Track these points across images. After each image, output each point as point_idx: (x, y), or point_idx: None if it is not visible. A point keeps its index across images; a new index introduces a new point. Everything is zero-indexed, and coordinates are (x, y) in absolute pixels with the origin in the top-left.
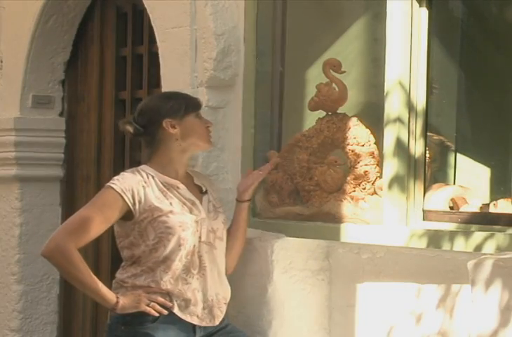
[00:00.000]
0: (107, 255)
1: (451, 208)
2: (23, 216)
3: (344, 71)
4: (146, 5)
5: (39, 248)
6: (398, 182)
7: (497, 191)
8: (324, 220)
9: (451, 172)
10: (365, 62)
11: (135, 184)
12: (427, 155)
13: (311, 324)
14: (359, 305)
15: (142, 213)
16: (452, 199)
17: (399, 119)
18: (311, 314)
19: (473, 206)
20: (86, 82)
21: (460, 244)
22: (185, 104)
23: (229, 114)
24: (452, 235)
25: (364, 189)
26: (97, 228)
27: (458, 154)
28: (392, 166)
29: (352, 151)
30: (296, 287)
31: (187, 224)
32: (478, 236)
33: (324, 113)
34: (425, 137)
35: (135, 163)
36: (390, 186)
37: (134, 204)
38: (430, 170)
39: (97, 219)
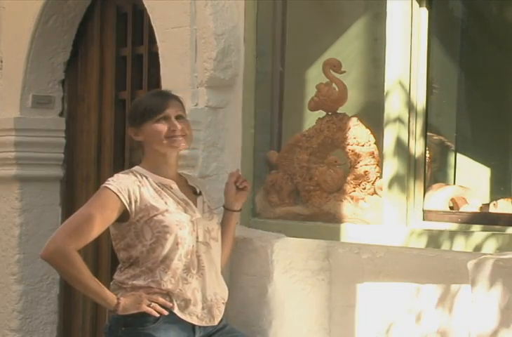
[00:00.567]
0: (107, 256)
1: (451, 208)
2: (23, 216)
3: (344, 71)
4: (146, 5)
5: (39, 248)
6: (398, 182)
7: (497, 191)
8: (324, 220)
9: (451, 172)
10: (365, 62)
11: (131, 184)
12: (427, 155)
13: (311, 324)
14: (359, 305)
15: (138, 213)
16: (452, 199)
17: (399, 119)
18: (311, 314)
19: (473, 206)
20: (86, 82)
21: (460, 244)
22: (141, 113)
23: (229, 114)
24: (451, 235)
25: (364, 189)
26: (96, 229)
27: (458, 154)
28: (392, 166)
29: (352, 151)
30: (296, 287)
31: (184, 222)
32: (478, 236)
33: (324, 113)
34: (425, 137)
35: (135, 163)
36: (390, 186)
37: (130, 204)
38: (430, 170)
39: (96, 220)
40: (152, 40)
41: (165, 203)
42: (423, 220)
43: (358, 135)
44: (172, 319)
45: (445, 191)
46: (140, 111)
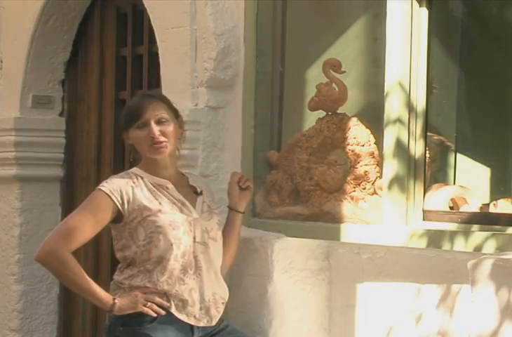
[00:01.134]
0: (107, 256)
1: (451, 208)
2: (23, 216)
3: (344, 71)
4: (146, 5)
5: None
6: (398, 182)
7: (497, 191)
8: (324, 220)
9: (451, 172)
10: (365, 62)
11: (123, 185)
12: (427, 155)
13: (311, 324)
14: (359, 305)
15: (131, 213)
16: (452, 199)
17: (399, 119)
18: (311, 314)
19: (473, 206)
20: (86, 82)
21: (460, 244)
22: (124, 119)
23: (229, 114)
24: (452, 235)
25: (364, 189)
26: (89, 231)
27: (458, 154)
28: (392, 166)
29: (352, 151)
30: (296, 287)
31: (178, 223)
32: (478, 236)
33: (324, 113)
34: (425, 137)
35: (135, 163)
36: (390, 186)
37: (122, 204)
38: (430, 170)
39: (89, 222)
40: (152, 40)
41: (159, 203)
42: (423, 220)
43: (358, 135)
44: (170, 320)
45: (445, 191)
46: (124, 117)
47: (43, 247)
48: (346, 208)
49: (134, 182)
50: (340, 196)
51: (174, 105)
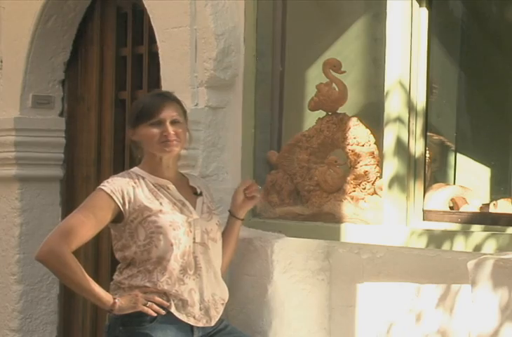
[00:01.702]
0: (107, 256)
1: (451, 208)
2: (23, 216)
3: (344, 72)
4: (146, 5)
5: None
6: (398, 182)
7: (497, 191)
8: (324, 220)
9: (451, 172)
10: (365, 62)
11: (125, 185)
12: (427, 155)
13: (311, 324)
14: (359, 305)
15: (131, 213)
16: (452, 199)
17: (399, 119)
18: (311, 314)
19: (473, 206)
20: (86, 82)
21: (460, 244)
22: (137, 115)
23: (229, 114)
24: (452, 235)
25: (364, 189)
26: (90, 231)
27: (458, 154)
28: (392, 166)
29: (352, 151)
30: (296, 287)
31: (178, 223)
32: (478, 236)
33: (324, 113)
34: (425, 137)
35: (135, 163)
36: (390, 186)
37: (124, 204)
38: (430, 170)
39: (89, 222)
40: (152, 40)
41: (160, 203)
42: (424, 220)
43: (358, 135)
44: (170, 319)
45: (445, 191)
46: (136, 113)
47: (44, 246)
48: (346, 208)
49: (135, 182)
50: (340, 196)
51: (185, 107)
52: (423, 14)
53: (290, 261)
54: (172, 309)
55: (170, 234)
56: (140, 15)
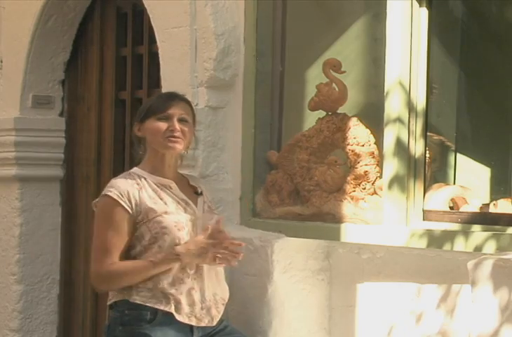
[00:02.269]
0: None
1: (451, 208)
2: (23, 216)
3: (344, 72)
4: (146, 5)
5: (39, 248)
6: (398, 182)
7: (497, 191)
8: (324, 220)
9: (451, 172)
10: (365, 62)
11: (130, 188)
12: (427, 155)
13: (311, 324)
14: (359, 305)
15: (138, 215)
16: (452, 199)
17: (399, 119)
18: (311, 314)
19: (473, 206)
20: (86, 82)
21: (460, 244)
22: (147, 108)
23: (229, 114)
24: (452, 235)
25: (364, 189)
26: (118, 243)
27: (458, 154)
28: (392, 166)
29: (352, 151)
30: (296, 287)
31: (182, 223)
32: (478, 236)
33: (324, 113)
34: (425, 137)
35: (135, 163)
36: (390, 186)
37: (131, 208)
38: (430, 170)
39: (114, 238)
40: (152, 40)
41: (165, 203)
42: (424, 220)
43: (358, 135)
44: (169, 320)
45: (445, 191)
46: (146, 108)
47: (91, 276)
48: (346, 208)
49: (138, 184)
50: (340, 196)
51: (194, 111)
52: (423, 14)
53: (290, 261)
54: (172, 310)
55: (174, 234)
56: (140, 15)
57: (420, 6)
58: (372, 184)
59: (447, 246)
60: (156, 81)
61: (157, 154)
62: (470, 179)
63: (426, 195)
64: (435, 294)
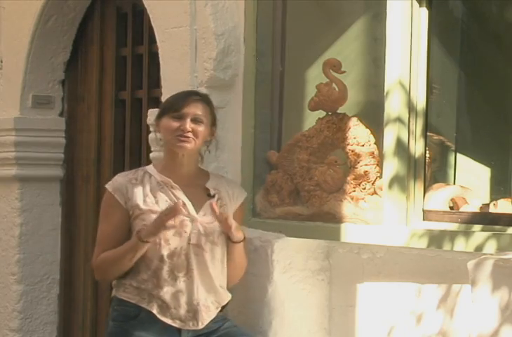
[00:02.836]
0: None
1: (451, 208)
2: (23, 216)
3: (344, 72)
4: (146, 5)
5: (39, 248)
6: (398, 182)
7: (497, 191)
8: (324, 220)
9: (451, 172)
10: (365, 62)
11: (125, 182)
12: (427, 155)
13: (311, 324)
14: (359, 305)
15: (130, 210)
16: (452, 199)
17: (399, 119)
18: (311, 314)
19: (473, 206)
20: (86, 82)
21: (460, 244)
22: (164, 106)
23: (229, 114)
24: (452, 235)
25: (364, 189)
26: (114, 236)
27: (458, 154)
28: (392, 166)
29: (352, 151)
30: (296, 287)
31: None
32: (478, 236)
33: (324, 113)
34: (425, 137)
35: (134, 163)
36: (390, 186)
37: (125, 202)
38: (430, 170)
39: (109, 229)
40: (152, 40)
41: (156, 202)
42: (424, 220)
43: (358, 135)
44: (153, 318)
45: (445, 191)
46: (164, 105)
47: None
48: (346, 208)
49: (136, 179)
50: (340, 196)
51: (215, 113)
52: (423, 14)
53: (290, 261)
54: (155, 311)
55: None
56: (140, 15)
57: (420, 6)
58: (372, 184)
59: (447, 246)
60: (156, 81)
61: (170, 152)
62: (470, 179)
63: (426, 195)
64: (435, 294)
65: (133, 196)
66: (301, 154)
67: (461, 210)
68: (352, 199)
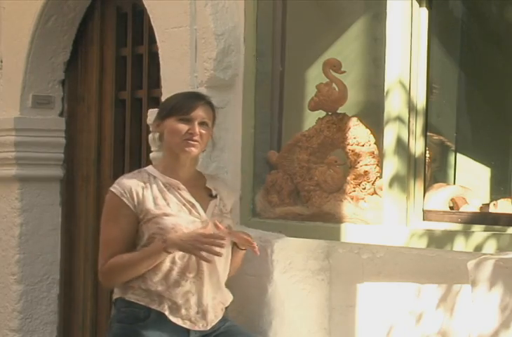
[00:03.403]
0: None
1: (451, 208)
2: (23, 216)
3: (344, 72)
4: (146, 5)
5: (39, 248)
6: (398, 182)
7: (497, 191)
8: (324, 220)
9: (451, 172)
10: (365, 62)
11: (134, 186)
12: (427, 155)
13: (311, 324)
14: (359, 305)
15: (140, 214)
16: (452, 199)
17: (399, 119)
18: (311, 314)
19: (473, 206)
20: (86, 82)
21: (460, 244)
22: (169, 108)
23: (229, 114)
24: (452, 235)
25: (364, 189)
26: (122, 239)
27: (458, 154)
28: (392, 165)
29: (352, 151)
30: (296, 287)
31: (181, 226)
32: (478, 236)
33: (324, 113)
34: (425, 137)
35: (134, 163)
36: (390, 186)
37: (134, 206)
38: (430, 170)
39: (116, 232)
40: (152, 40)
41: (167, 204)
42: (424, 220)
43: (358, 135)
44: (164, 319)
45: (445, 191)
46: (169, 106)
47: (99, 276)
48: (346, 208)
49: (144, 182)
50: (340, 196)
51: (216, 113)
52: (423, 14)
53: (290, 261)
54: (166, 312)
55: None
56: (140, 15)
57: (420, 6)
58: (372, 184)
59: (447, 246)
60: (156, 81)
61: (172, 154)
62: (470, 179)
63: (426, 195)
64: (435, 294)
65: (143, 200)
66: (301, 154)
67: (461, 210)
68: (352, 199)
